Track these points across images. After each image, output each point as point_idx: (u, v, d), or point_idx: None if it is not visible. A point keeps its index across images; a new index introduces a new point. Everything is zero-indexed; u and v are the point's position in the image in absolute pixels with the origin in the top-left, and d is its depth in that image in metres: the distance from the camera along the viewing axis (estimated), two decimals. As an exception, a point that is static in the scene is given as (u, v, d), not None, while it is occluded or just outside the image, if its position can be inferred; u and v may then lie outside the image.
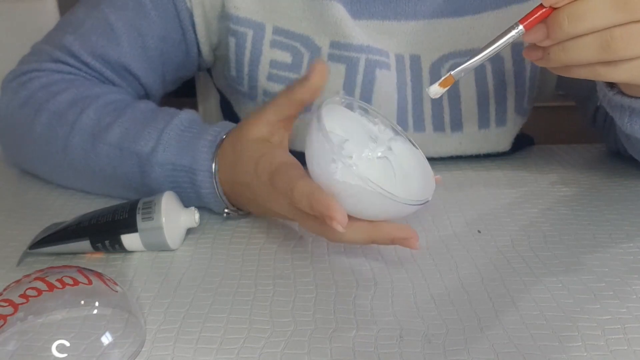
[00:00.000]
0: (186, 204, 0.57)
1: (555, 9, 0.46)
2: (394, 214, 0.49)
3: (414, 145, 0.54)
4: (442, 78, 0.49)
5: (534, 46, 0.49)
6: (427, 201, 0.49)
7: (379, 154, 0.54)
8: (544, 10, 0.46)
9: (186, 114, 0.61)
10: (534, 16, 0.46)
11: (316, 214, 0.47)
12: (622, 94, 0.55)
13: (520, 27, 0.46)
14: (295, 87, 0.54)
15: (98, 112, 0.62)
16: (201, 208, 0.59)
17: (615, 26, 0.44)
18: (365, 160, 0.53)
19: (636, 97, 0.54)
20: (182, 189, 0.59)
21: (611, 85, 0.56)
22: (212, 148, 0.57)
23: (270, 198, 0.53)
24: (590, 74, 0.48)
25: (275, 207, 0.53)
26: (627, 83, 0.51)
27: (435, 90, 0.50)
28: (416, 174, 0.53)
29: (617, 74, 0.47)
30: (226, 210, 0.60)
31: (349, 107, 0.54)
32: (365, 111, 0.54)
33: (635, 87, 0.53)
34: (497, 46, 0.47)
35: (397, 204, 0.47)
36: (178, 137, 0.59)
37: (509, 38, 0.46)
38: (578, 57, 0.46)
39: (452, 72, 0.49)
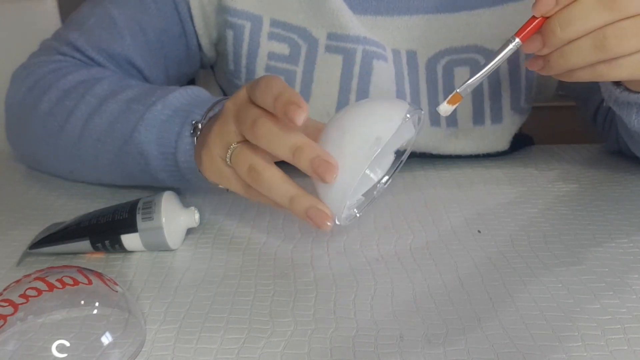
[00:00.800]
0: (166, 159, 0.57)
1: (547, 17, 0.47)
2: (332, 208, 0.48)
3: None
4: (450, 95, 0.49)
5: (534, 56, 0.50)
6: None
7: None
8: (537, 20, 0.47)
9: (201, 88, 0.62)
10: (529, 27, 0.47)
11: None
12: (629, 91, 0.55)
13: (517, 39, 0.47)
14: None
15: (112, 84, 0.64)
16: (202, 210, 0.59)
17: (607, 25, 0.45)
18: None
19: None
20: (169, 133, 0.58)
21: (617, 83, 0.56)
22: (215, 104, 0.56)
23: (224, 120, 0.50)
24: (593, 75, 0.48)
25: (219, 132, 0.50)
26: (630, 79, 0.50)
27: (445, 108, 0.50)
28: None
29: (618, 72, 0.47)
30: (193, 121, 0.55)
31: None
32: None
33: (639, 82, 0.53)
34: (498, 60, 0.48)
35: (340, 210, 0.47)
36: (193, 94, 0.60)
37: (509, 51, 0.47)
38: (576, 60, 0.47)
39: (458, 90, 0.49)
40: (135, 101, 0.61)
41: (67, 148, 0.65)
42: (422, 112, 0.50)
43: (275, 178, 0.47)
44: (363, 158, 0.45)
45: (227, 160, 0.49)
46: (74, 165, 0.67)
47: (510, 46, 0.47)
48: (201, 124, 0.55)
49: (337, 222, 0.49)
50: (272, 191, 0.48)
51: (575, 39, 0.46)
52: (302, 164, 0.45)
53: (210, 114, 0.56)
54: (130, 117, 0.60)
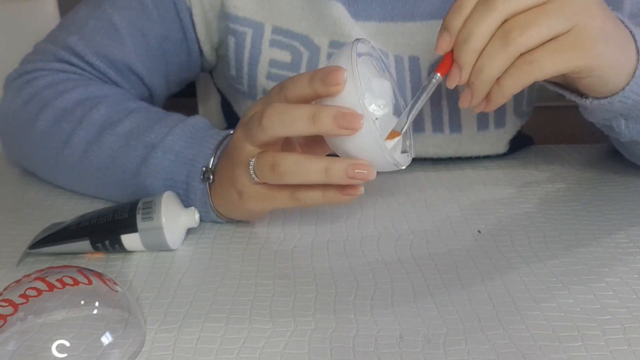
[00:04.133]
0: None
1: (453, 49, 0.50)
2: (373, 164, 0.49)
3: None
4: (388, 133, 0.51)
5: (463, 93, 0.53)
6: (401, 167, 0.50)
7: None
8: (448, 55, 0.50)
9: (199, 118, 0.61)
10: (445, 62, 0.50)
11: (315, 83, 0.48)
12: (598, 98, 0.56)
13: (438, 75, 0.51)
14: None
15: (109, 109, 0.63)
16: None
17: (504, 22, 0.48)
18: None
19: (611, 96, 0.55)
20: (175, 182, 0.58)
21: (582, 95, 0.57)
22: (217, 146, 0.58)
23: (240, 137, 0.52)
24: (521, 78, 0.50)
25: (238, 153, 0.52)
26: (558, 73, 0.51)
27: (389, 144, 0.51)
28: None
29: (543, 67, 0.49)
30: (204, 167, 0.57)
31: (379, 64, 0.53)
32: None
33: (586, 83, 0.53)
34: (426, 96, 0.51)
35: (383, 158, 0.48)
36: (190, 133, 0.59)
37: (432, 86, 0.51)
38: (493, 64, 0.49)
39: (393, 128, 0.51)
40: (134, 137, 0.60)
41: (67, 171, 0.64)
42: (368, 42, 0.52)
43: (298, 159, 0.49)
44: (356, 94, 0.46)
45: (254, 176, 0.51)
46: (74, 186, 0.66)
47: (434, 81, 0.51)
48: (211, 169, 0.57)
49: (402, 167, 0.50)
50: (303, 173, 0.49)
51: (484, 48, 0.49)
52: (336, 176, 0.48)
53: (218, 152, 0.57)
54: (131, 154, 0.59)
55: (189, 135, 0.59)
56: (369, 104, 0.48)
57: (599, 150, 0.77)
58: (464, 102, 0.53)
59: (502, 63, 0.49)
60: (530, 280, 0.49)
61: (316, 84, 0.48)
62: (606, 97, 0.55)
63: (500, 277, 0.50)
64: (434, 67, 0.69)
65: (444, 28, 0.50)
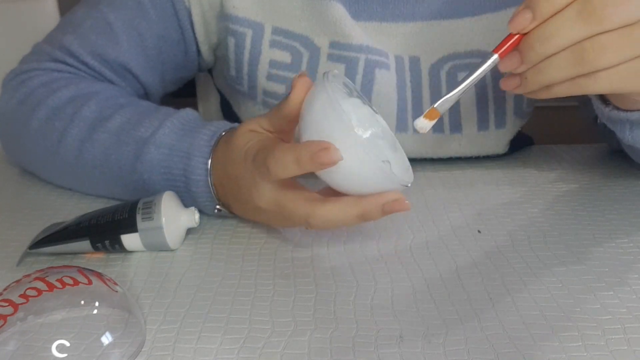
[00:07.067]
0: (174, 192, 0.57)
1: (525, 34, 0.46)
2: (381, 189, 0.49)
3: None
4: (427, 111, 0.49)
5: (509, 75, 0.50)
6: (408, 186, 0.49)
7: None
8: (515, 37, 0.47)
9: (189, 111, 0.62)
10: (507, 44, 0.47)
11: (306, 158, 0.46)
12: (618, 108, 0.56)
13: (495, 55, 0.47)
14: (281, 103, 0.53)
15: (100, 105, 0.63)
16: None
17: (585, 39, 0.45)
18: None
19: (632, 110, 0.55)
20: (173, 175, 0.58)
21: (606, 102, 0.57)
22: (212, 139, 0.57)
23: (252, 183, 0.52)
24: (573, 89, 0.48)
25: (255, 196, 0.52)
26: (611, 92, 0.50)
27: (422, 124, 0.49)
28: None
29: (598, 85, 0.47)
30: (217, 207, 0.58)
31: (349, 92, 0.53)
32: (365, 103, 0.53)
33: (624, 97, 0.53)
34: (476, 76, 0.48)
35: (392, 182, 0.47)
36: (180, 126, 0.59)
37: (487, 67, 0.47)
38: (554, 75, 0.47)
39: (434, 105, 0.49)
40: (124, 132, 0.60)
41: (64, 170, 0.64)
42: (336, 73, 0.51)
43: (336, 215, 0.49)
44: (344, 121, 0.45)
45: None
46: (74, 184, 0.67)
47: (489, 62, 0.47)
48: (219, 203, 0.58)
49: (408, 185, 0.49)
50: (343, 221, 0.49)
51: (553, 54, 0.46)
52: (308, 167, 0.46)
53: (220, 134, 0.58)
54: (123, 150, 0.59)
55: (180, 128, 0.59)
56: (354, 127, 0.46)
57: (599, 150, 0.77)
58: (507, 86, 0.51)
59: (565, 77, 0.47)
60: (530, 280, 0.49)
61: (305, 162, 0.46)
62: (628, 111, 0.54)
63: (500, 277, 0.50)
64: (434, 67, 0.69)
65: (529, 6, 0.45)
